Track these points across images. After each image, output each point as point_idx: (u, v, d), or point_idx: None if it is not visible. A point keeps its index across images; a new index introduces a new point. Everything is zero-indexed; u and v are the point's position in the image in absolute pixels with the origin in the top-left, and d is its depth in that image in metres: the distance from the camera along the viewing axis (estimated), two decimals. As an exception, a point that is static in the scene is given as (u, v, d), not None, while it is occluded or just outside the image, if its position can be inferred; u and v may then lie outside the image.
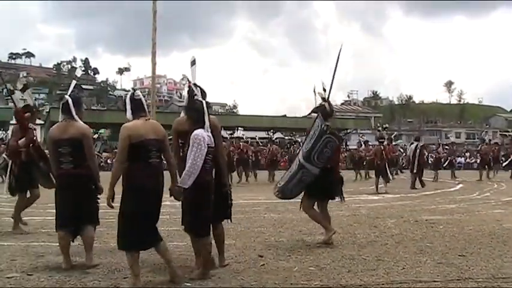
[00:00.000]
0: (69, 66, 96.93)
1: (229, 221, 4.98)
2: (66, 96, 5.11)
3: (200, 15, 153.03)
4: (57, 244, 4.97)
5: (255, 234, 6.85)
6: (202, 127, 4.37)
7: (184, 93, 4.79)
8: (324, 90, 6.28)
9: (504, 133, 62.17)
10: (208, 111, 4.49)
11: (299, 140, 26.68)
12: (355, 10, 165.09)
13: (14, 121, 7.14)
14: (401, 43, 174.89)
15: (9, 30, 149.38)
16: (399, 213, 9.12)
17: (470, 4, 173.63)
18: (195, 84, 4.72)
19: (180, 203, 4.52)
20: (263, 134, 45.57)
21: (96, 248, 5.52)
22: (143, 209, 4.15)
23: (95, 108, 64.42)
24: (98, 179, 5.05)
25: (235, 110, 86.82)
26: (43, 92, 79.72)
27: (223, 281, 4.42)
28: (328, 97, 6.27)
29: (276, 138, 38.28)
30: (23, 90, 7.03)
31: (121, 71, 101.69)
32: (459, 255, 5.43)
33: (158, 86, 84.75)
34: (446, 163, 25.80)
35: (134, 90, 4.49)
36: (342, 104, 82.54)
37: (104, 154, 33.77)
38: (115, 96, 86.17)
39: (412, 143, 18.41)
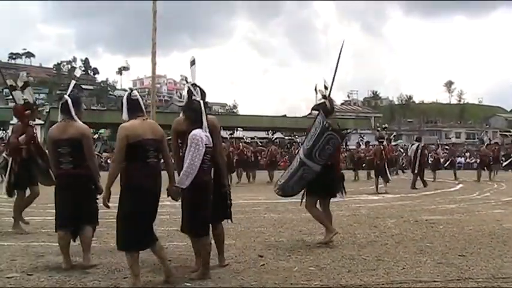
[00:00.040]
0: (69, 66, 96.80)
1: (229, 221, 4.98)
2: (66, 96, 5.11)
3: (200, 15, 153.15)
4: (57, 244, 4.96)
5: (255, 234, 6.85)
6: (200, 127, 4.38)
7: (184, 93, 4.78)
8: (326, 87, 6.26)
9: (504, 133, 62.23)
10: (206, 111, 4.49)
11: (298, 140, 26.70)
12: (355, 10, 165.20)
13: (14, 121, 7.12)
14: (401, 43, 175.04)
15: (9, 30, 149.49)
16: (399, 213, 9.12)
17: (470, 4, 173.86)
18: (194, 84, 4.72)
19: (179, 203, 4.52)
20: (263, 134, 45.61)
21: (96, 248, 5.54)
22: (141, 209, 4.15)
23: (95, 108, 64.43)
24: (98, 179, 5.05)
25: (235, 110, 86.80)
26: (43, 92, 79.63)
27: (223, 281, 4.42)
28: (329, 94, 6.25)
29: (275, 139, 38.30)
30: (23, 87, 7.00)
31: (120, 71, 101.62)
32: (459, 255, 5.42)
33: (158, 86, 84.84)
34: (447, 163, 25.84)
35: (131, 90, 4.47)
36: (342, 104, 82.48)
37: (104, 154, 33.77)
38: (115, 96, 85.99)
39: (413, 144, 18.46)
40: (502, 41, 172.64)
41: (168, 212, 7.64)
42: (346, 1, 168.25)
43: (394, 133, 43.50)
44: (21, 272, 4.69)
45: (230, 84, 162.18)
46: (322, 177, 5.97)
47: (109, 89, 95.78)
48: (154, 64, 6.25)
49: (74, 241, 4.99)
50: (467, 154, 41.13)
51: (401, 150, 31.76)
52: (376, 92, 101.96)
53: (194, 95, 4.59)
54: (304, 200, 6.20)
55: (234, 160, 17.86)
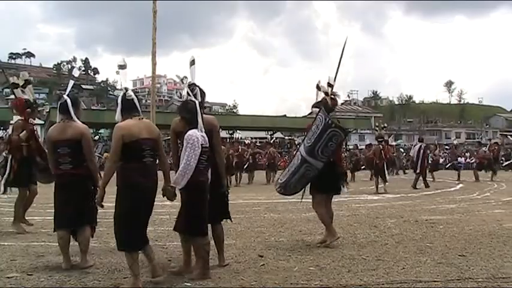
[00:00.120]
0: (69, 66, 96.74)
1: (229, 220, 4.97)
2: (65, 97, 5.10)
3: (200, 15, 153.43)
4: (57, 244, 4.96)
5: (255, 234, 6.85)
6: (196, 127, 4.37)
7: (184, 93, 4.77)
8: (329, 85, 6.18)
9: (504, 133, 62.21)
10: (201, 112, 4.49)
11: (299, 140, 26.67)
12: (355, 10, 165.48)
13: (13, 120, 7.12)
14: (401, 43, 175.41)
15: (9, 30, 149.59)
16: (399, 213, 9.11)
17: (470, 4, 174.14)
18: (194, 84, 4.71)
19: (179, 203, 4.51)
20: (263, 134, 45.59)
21: (96, 248, 5.54)
22: (137, 208, 4.14)
23: (95, 108, 64.36)
24: (97, 179, 5.03)
25: (235, 110, 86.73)
26: (43, 92, 79.61)
27: (223, 281, 4.42)
28: (332, 89, 6.16)
29: (274, 140, 38.22)
30: (24, 85, 7.01)
31: (117, 71, 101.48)
32: (459, 255, 5.42)
33: (158, 86, 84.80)
34: (449, 164, 25.87)
35: (126, 90, 4.46)
36: (342, 104, 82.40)
37: (105, 154, 33.75)
38: (115, 96, 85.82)
39: (416, 144, 18.53)
40: (502, 41, 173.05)
41: (168, 212, 7.64)
42: (346, 1, 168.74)
43: (394, 133, 43.53)
44: (21, 272, 4.69)
45: (230, 84, 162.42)
46: (326, 175, 5.93)
47: (109, 89, 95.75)
48: (154, 64, 6.24)
49: (76, 240, 4.99)
50: (467, 154, 41.10)
51: (401, 150, 31.74)
52: (376, 92, 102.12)
53: (190, 96, 4.58)
54: (310, 200, 6.17)
55: (234, 163, 17.76)
